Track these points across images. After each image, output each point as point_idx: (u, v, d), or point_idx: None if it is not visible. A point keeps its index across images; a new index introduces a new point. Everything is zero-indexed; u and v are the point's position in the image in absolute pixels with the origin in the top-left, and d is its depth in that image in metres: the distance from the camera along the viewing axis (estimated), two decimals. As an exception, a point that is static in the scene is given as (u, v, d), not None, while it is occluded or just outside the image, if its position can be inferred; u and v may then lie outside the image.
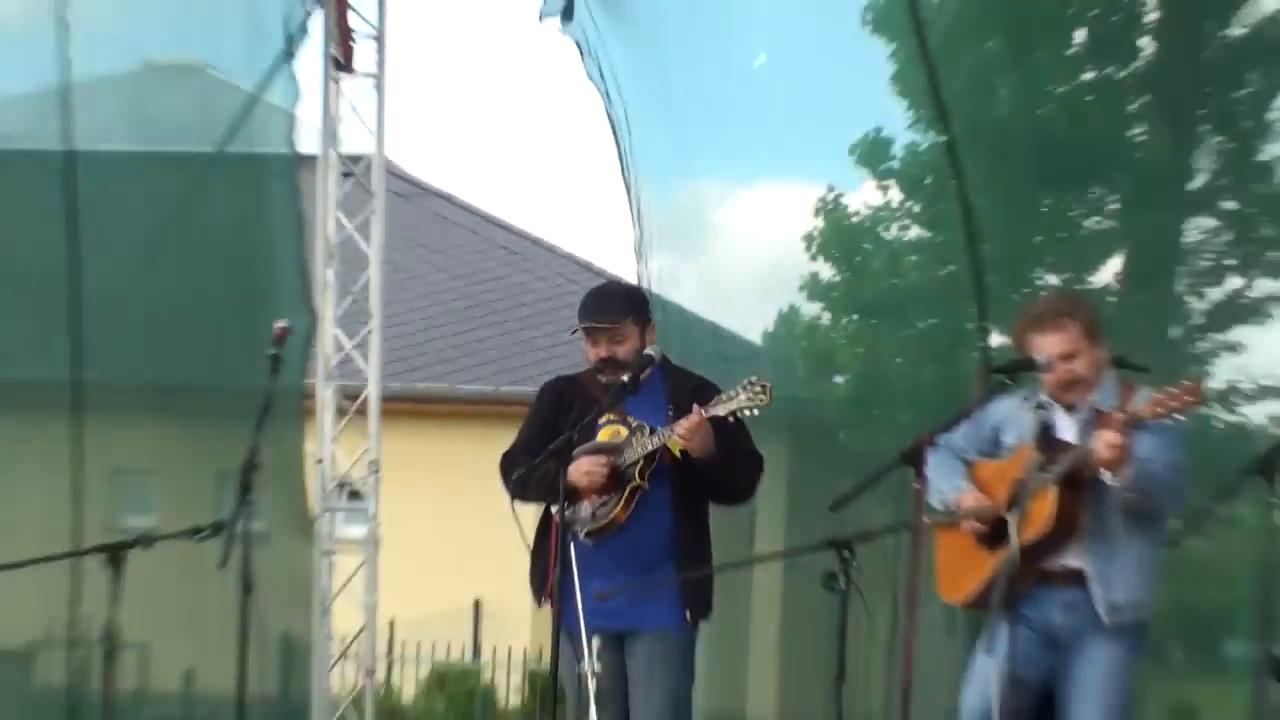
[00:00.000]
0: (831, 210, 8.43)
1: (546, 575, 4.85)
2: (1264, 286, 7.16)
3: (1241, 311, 7.21)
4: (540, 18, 7.13)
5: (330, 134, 7.40)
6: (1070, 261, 7.59)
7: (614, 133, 7.35)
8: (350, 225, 7.46)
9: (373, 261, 7.47)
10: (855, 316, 8.64)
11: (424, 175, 17.19)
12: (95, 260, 7.05)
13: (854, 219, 8.45)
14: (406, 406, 10.60)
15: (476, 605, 12.26)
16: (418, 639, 11.39)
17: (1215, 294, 7.24)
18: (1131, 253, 7.47)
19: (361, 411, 7.61)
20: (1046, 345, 4.59)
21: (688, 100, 7.19)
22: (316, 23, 7.19)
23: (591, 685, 4.57)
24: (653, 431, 4.82)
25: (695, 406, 4.66)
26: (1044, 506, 4.44)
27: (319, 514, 7.50)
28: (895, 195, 8.23)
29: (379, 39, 7.35)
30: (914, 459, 4.20)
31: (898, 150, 8.01)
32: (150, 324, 7.42)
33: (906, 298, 8.40)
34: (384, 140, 7.47)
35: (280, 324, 4.84)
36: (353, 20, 7.24)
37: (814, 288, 8.48)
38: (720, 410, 4.62)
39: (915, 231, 8.40)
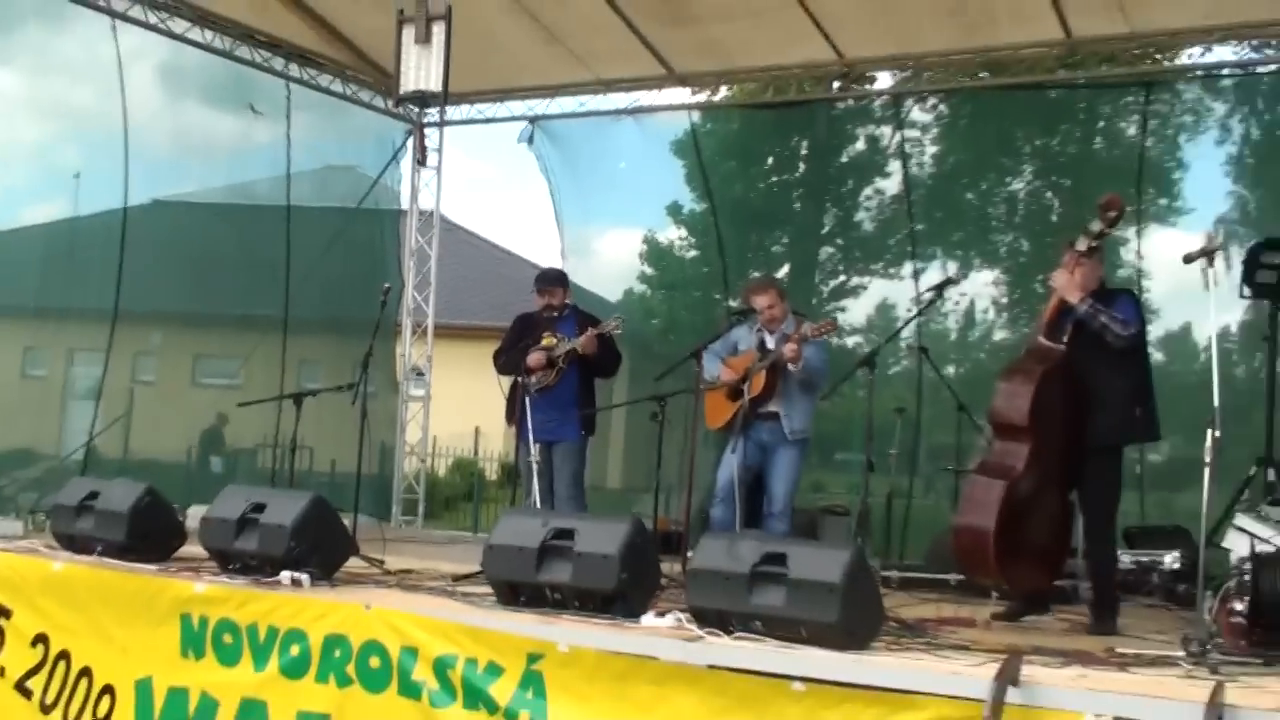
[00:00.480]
0: (652, 239, 14.37)
1: (513, 411, 8.42)
2: (854, 280, 13.00)
3: (843, 291, 12.89)
4: (518, 141, 11.94)
5: (413, 199, 13.07)
6: (764, 267, 13.05)
7: (553, 201, 12.48)
8: (422, 240, 13.06)
9: (433, 258, 13.00)
10: (663, 291, 14.31)
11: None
12: (298, 259, 11.92)
13: (662, 244, 14.31)
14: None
15: (476, 429, 19.18)
16: (448, 445, 19.00)
17: (833, 282, 12.92)
18: (794, 263, 13.08)
19: (423, 332, 13.02)
20: (761, 299, 7.89)
21: (589, 184, 12.23)
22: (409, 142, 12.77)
23: (535, 469, 8.14)
24: (570, 340, 8.43)
25: (589, 329, 8.35)
26: (759, 380, 7.60)
27: (401, 381, 12.86)
28: (683, 233, 14.12)
29: (439, 151, 13.02)
30: (696, 356, 7.51)
31: (685, 212, 13.70)
32: (324, 286, 12.21)
33: (689, 282, 14.11)
34: (440, 201, 13.14)
35: (385, 285, 9.22)
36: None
37: (643, 277, 14.32)
38: (601, 331, 8.32)
39: (692, 252, 14.26)
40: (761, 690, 5.32)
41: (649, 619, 6.00)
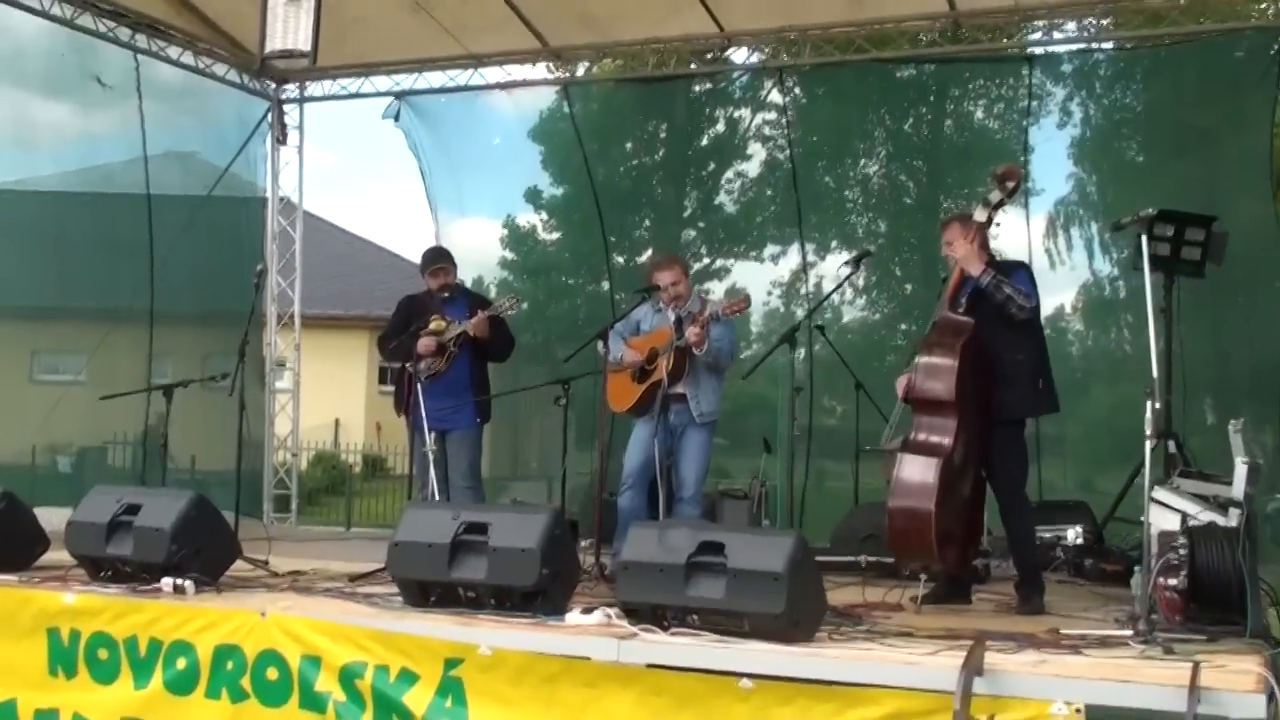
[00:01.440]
0: (513, 224, 14.01)
1: (404, 399, 7.83)
2: (718, 262, 12.92)
3: (709, 274, 12.81)
4: (383, 117, 11.36)
5: (274, 180, 12.49)
6: (633, 251, 12.91)
7: (424, 181, 11.87)
8: (284, 223, 12.53)
9: (297, 242, 12.48)
10: (525, 276, 13.99)
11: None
12: (162, 246, 11.09)
13: (523, 229, 13.98)
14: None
15: (336, 421, 19.50)
16: (308, 438, 16.63)
17: (697, 264, 12.65)
18: (656, 245, 12.67)
19: (289, 320, 12.56)
20: (665, 275, 7.46)
21: (459, 162, 11.76)
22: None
23: (431, 458, 7.41)
24: (460, 323, 7.84)
25: (480, 311, 7.85)
26: (667, 361, 7.24)
27: (268, 372, 12.27)
28: (543, 216, 13.91)
29: (300, 129, 12.41)
30: (602, 337, 7.30)
31: (545, 196, 13.58)
32: (176, 275, 11.38)
33: (550, 266, 13.98)
34: (303, 182, 12.54)
35: (259, 266, 8.60)
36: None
37: (504, 262, 13.95)
38: (494, 312, 7.85)
39: (553, 234, 14.17)
40: (705, 689, 4.98)
41: (575, 616, 5.62)
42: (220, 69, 11.68)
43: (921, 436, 6.34)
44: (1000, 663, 4.75)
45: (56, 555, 7.18)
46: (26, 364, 12.23)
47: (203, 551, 6.43)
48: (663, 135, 13.60)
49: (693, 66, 11.58)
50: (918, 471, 6.12)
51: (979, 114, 12.41)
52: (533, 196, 13.72)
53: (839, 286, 8.23)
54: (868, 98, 11.82)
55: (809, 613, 5.29)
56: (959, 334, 6.57)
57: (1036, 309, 6.79)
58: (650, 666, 5.15)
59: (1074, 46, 10.99)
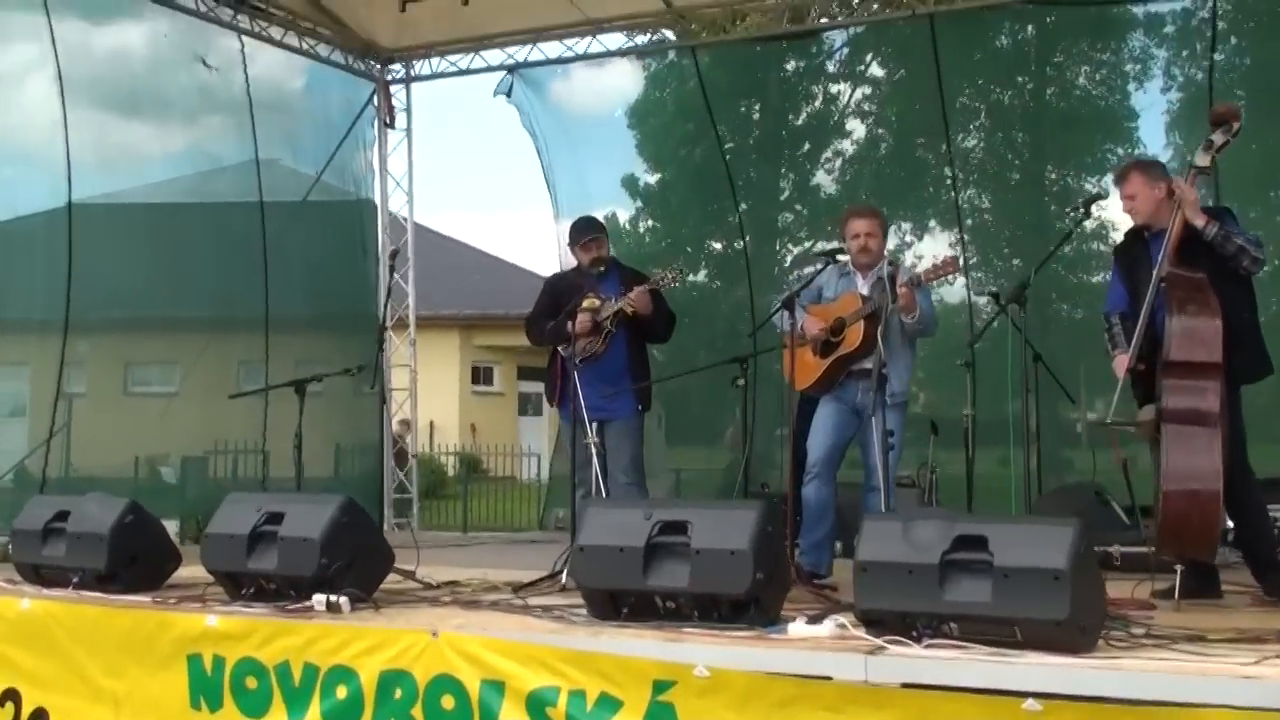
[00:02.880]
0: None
1: (555, 387, 7.16)
2: (818, 245, 11.58)
3: (806, 258, 11.71)
4: (495, 94, 10.68)
5: (383, 165, 11.87)
6: (728, 237, 12.24)
7: (540, 158, 11.38)
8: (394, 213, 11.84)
9: (409, 235, 11.68)
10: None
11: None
12: (275, 253, 10.76)
13: (620, 222, 13.09)
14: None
15: (431, 424, 18.69)
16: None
17: (794, 247, 12.07)
18: (752, 230, 11.88)
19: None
20: (859, 226, 6.63)
21: (578, 137, 11.19)
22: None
23: (594, 451, 6.62)
24: (616, 300, 7.12)
25: (639, 286, 7.08)
26: (857, 332, 6.41)
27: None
28: (639, 204, 13.25)
29: (408, 112, 11.82)
30: (788, 306, 6.28)
31: (640, 185, 12.94)
32: (303, 279, 11.08)
33: (646, 259, 12.49)
34: (413, 167, 11.78)
35: (393, 250, 7.87)
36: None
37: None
38: (655, 285, 7.08)
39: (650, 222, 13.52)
40: (980, 713, 4.13)
41: (801, 627, 4.80)
42: (324, 50, 10.98)
43: (1181, 404, 5.43)
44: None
45: (188, 572, 6.50)
46: (120, 377, 12.01)
47: (355, 563, 5.69)
48: (756, 116, 12.77)
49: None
50: (1198, 447, 5.23)
51: (1081, 80, 11.58)
52: (629, 185, 12.90)
53: (1069, 235, 7.19)
54: (964, 67, 11.17)
55: (1092, 617, 4.43)
56: (1203, 289, 5.67)
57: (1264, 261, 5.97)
58: (905, 687, 4.31)
59: (1178, 5, 10.28)
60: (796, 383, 6.66)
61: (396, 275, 11.50)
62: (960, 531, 4.50)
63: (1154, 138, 10.95)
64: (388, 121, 11.57)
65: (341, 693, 5.22)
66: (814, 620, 4.82)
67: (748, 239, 11.98)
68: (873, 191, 12.10)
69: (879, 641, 4.50)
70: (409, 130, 11.76)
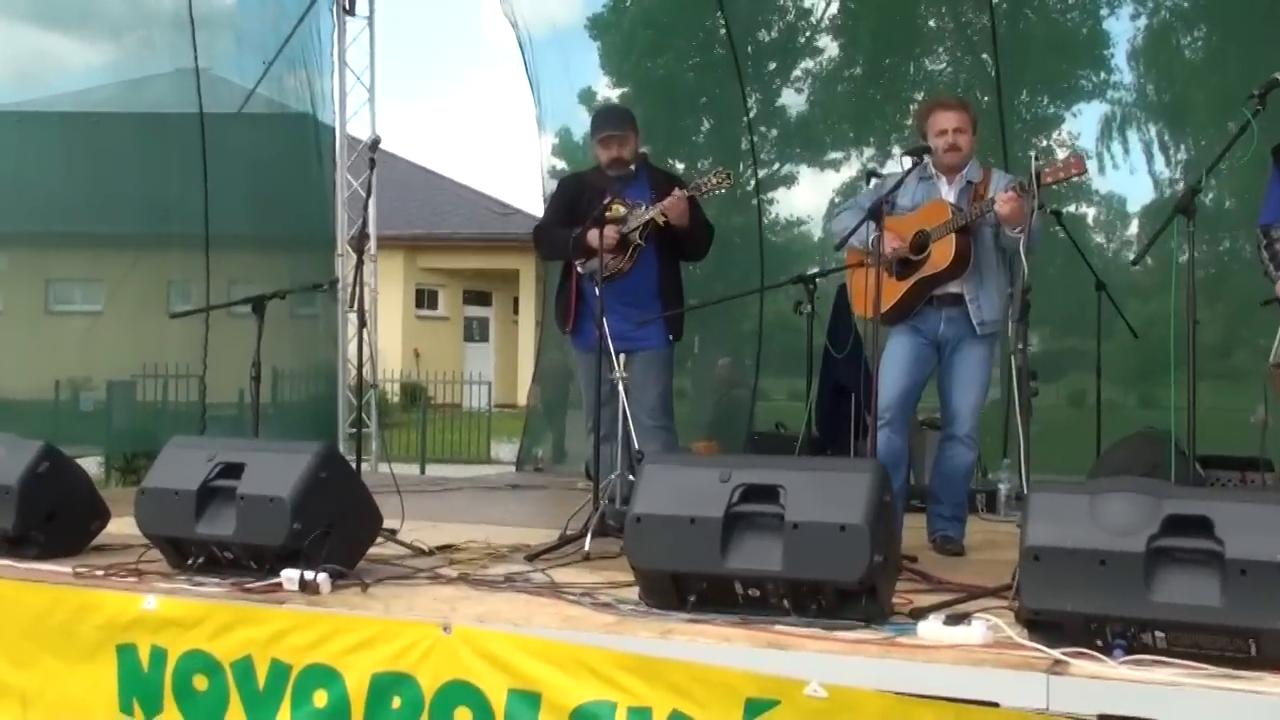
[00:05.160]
0: (565, 132, 11.59)
1: (568, 310, 6.12)
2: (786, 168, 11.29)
3: (777, 180, 11.21)
4: None
5: (341, 59, 10.37)
6: (691, 158, 11.18)
7: (521, 49, 10.30)
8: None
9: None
10: None
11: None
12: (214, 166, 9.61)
13: (575, 139, 11.41)
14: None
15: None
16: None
17: (763, 171, 10.93)
18: (714, 151, 11.10)
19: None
20: (946, 119, 5.52)
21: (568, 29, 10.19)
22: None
23: (622, 385, 5.53)
24: (647, 207, 5.97)
25: (676, 190, 5.89)
26: (946, 248, 5.35)
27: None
28: None
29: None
30: (875, 217, 5.04)
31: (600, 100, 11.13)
32: (246, 192, 9.89)
33: None
34: (375, 64, 10.45)
35: (373, 137, 6.66)
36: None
37: (554, 171, 11.20)
38: (695, 191, 5.89)
39: None
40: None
41: (940, 629, 3.64)
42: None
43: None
44: None
45: (117, 528, 5.24)
46: (41, 294, 10.98)
47: (337, 530, 4.45)
48: (721, 32, 11.60)
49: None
50: None
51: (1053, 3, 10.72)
52: (586, 99, 11.62)
53: (1242, 132, 5.97)
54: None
55: (1351, 628, 3.30)
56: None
57: None
58: (1103, 718, 3.18)
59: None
60: (866, 309, 5.41)
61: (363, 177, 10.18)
62: (1173, 510, 3.36)
63: (1126, 65, 10.20)
64: (346, 7, 10.12)
65: (320, 699, 4.02)
66: (955, 620, 3.66)
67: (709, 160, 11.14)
68: (843, 114, 11.38)
69: (1056, 654, 3.37)
70: (371, 18, 10.32)
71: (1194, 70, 9.77)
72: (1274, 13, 8.56)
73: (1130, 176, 10.19)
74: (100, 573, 4.60)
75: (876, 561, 3.74)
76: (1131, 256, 9.88)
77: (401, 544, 5.19)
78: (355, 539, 4.59)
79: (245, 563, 4.49)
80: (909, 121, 10.79)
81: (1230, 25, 9.15)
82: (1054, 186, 5.19)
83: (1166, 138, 9.84)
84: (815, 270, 5.79)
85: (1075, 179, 5.23)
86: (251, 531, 4.43)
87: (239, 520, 4.46)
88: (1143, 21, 9.78)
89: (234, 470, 4.55)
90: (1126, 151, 9.98)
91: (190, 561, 4.59)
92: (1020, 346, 4.85)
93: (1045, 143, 10.47)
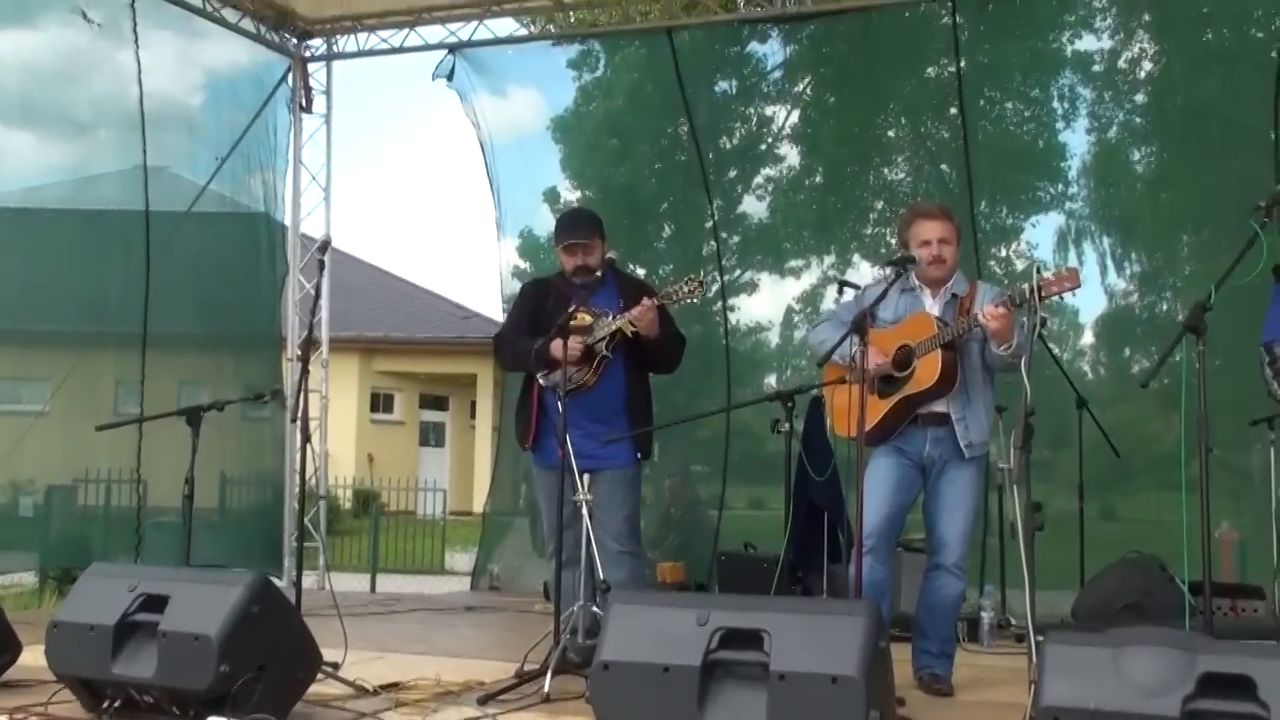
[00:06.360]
0: (528, 232, 11.25)
1: (529, 425, 5.78)
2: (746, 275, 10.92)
3: (737, 287, 10.85)
4: (433, 77, 9.40)
5: (296, 157, 10.05)
6: (651, 264, 10.94)
7: (482, 150, 9.93)
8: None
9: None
10: None
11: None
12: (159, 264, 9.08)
13: (540, 237, 11.07)
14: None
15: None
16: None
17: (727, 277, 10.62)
18: (676, 258, 10.77)
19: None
20: (930, 229, 5.25)
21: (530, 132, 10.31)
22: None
23: (585, 509, 5.16)
24: (615, 317, 5.60)
25: (645, 299, 5.52)
26: (932, 363, 5.06)
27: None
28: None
29: (328, 94, 10.11)
30: (859, 330, 4.73)
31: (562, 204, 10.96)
32: (192, 292, 9.51)
33: None
34: (331, 160, 10.12)
35: (324, 236, 6.29)
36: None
37: (517, 271, 10.94)
38: (666, 300, 5.54)
39: None
40: None
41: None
42: (231, 15, 9.27)
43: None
44: None
45: (33, 658, 4.76)
46: None
47: (269, 669, 4.01)
48: (684, 139, 11.53)
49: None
50: None
51: (1010, 115, 10.60)
52: (551, 199, 11.40)
53: (1250, 245, 5.67)
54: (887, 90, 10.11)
55: None
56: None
57: None
58: None
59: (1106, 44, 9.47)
60: (848, 428, 5.05)
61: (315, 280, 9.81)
62: (1209, 667, 3.00)
63: (1080, 178, 10.06)
64: (304, 105, 9.85)
65: None
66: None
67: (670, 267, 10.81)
68: (803, 222, 11.10)
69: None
70: (328, 117, 10.04)
71: (1146, 184, 9.72)
72: (1223, 130, 8.61)
73: (1083, 288, 10.04)
74: (4, 717, 4.13)
75: (873, 718, 3.35)
76: (1085, 368, 9.82)
77: (343, 681, 4.74)
78: (291, 681, 4.15)
79: (167, 708, 4.04)
80: (868, 230, 10.73)
81: (1181, 142, 9.08)
82: (1046, 301, 4.85)
83: (1119, 251, 9.70)
84: (790, 386, 5.42)
85: (1069, 293, 4.91)
86: (174, 673, 3.99)
87: (160, 660, 4.02)
88: (1096, 136, 9.68)
89: (157, 603, 4.12)
90: (1081, 263, 9.77)
91: (106, 705, 4.14)
92: (1020, 476, 4.48)
93: (1005, 253, 10.26)
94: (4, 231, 9.33)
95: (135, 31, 8.53)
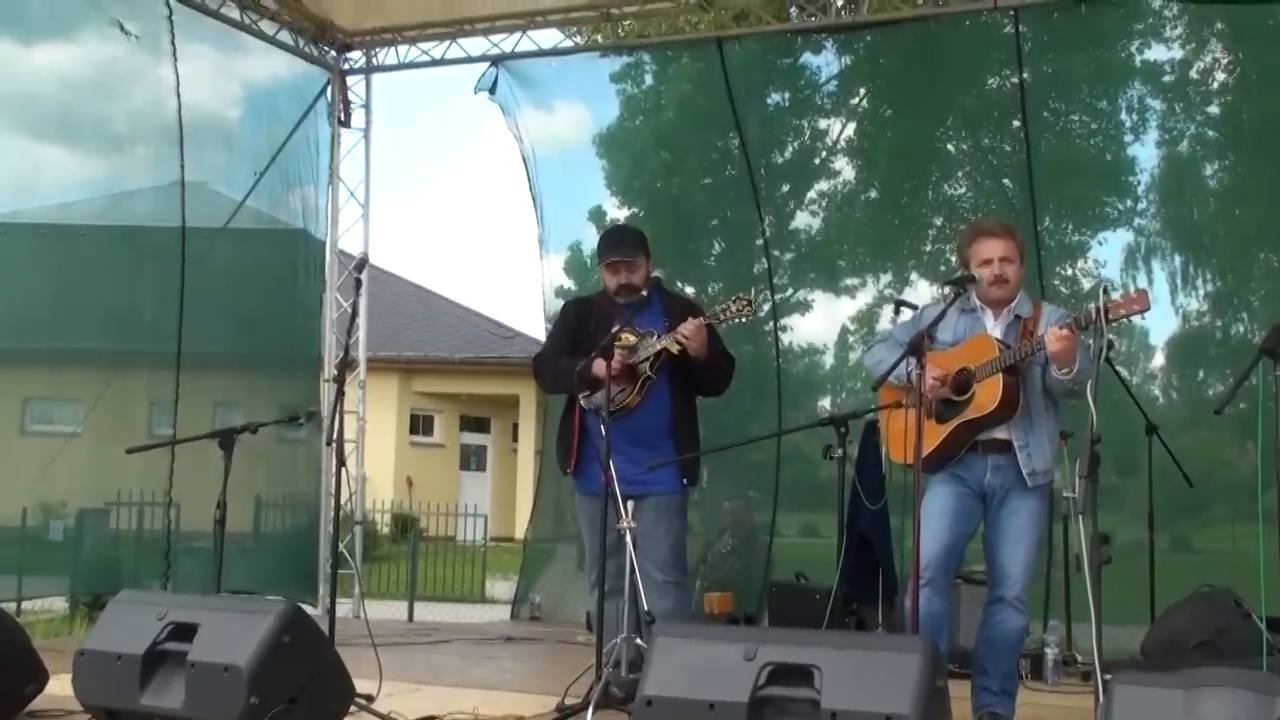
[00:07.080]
0: (576, 248, 11.17)
1: (570, 449, 5.56)
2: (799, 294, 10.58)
3: (790, 307, 10.48)
4: (475, 91, 9.11)
5: (334, 170, 9.88)
6: (698, 282, 10.83)
7: (525, 165, 9.75)
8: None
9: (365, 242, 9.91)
10: None
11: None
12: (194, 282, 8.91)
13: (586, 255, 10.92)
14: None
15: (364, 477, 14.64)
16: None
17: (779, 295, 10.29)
18: (726, 275, 10.56)
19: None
20: (991, 247, 5.07)
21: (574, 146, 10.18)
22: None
23: (629, 536, 5.02)
24: (659, 336, 5.42)
25: (692, 317, 5.32)
26: (993, 389, 4.86)
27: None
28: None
29: (367, 108, 9.96)
30: (917, 353, 4.64)
31: (609, 221, 10.74)
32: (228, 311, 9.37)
33: None
34: (370, 174, 10.03)
35: (361, 253, 6.15)
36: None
37: (561, 291, 10.80)
38: (714, 319, 5.35)
39: None
40: None
41: None
42: (269, 27, 9.16)
43: None
44: None
45: (61, 687, 4.61)
46: (18, 414, 10.21)
47: (301, 702, 3.84)
48: (735, 152, 11.34)
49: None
50: None
51: (1077, 129, 10.23)
52: (596, 218, 11.22)
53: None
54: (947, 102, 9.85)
55: None
56: None
57: None
58: None
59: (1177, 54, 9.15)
60: (905, 454, 4.85)
61: (343, 301, 9.65)
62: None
63: (1150, 193, 9.71)
64: (342, 119, 9.72)
65: None
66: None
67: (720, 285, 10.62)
68: (859, 239, 10.83)
69: None
70: (367, 131, 9.90)
71: (1219, 200, 9.36)
72: None
73: (1154, 308, 9.76)
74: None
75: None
76: (1156, 392, 9.49)
77: (377, 715, 4.57)
78: (323, 714, 3.99)
79: (194, 742, 3.86)
80: (926, 248, 10.46)
81: (1255, 155, 8.77)
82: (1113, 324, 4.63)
83: (1191, 269, 9.41)
84: (845, 410, 5.19)
85: (1139, 315, 4.68)
86: (202, 705, 3.83)
87: (189, 691, 3.87)
88: (1166, 149, 9.34)
89: (186, 632, 3.97)
90: (1150, 281, 9.51)
91: (133, 738, 3.97)
92: (1086, 506, 4.27)
93: (1070, 271, 10.00)
94: (38, 248, 9.25)
95: (173, 44, 8.39)
